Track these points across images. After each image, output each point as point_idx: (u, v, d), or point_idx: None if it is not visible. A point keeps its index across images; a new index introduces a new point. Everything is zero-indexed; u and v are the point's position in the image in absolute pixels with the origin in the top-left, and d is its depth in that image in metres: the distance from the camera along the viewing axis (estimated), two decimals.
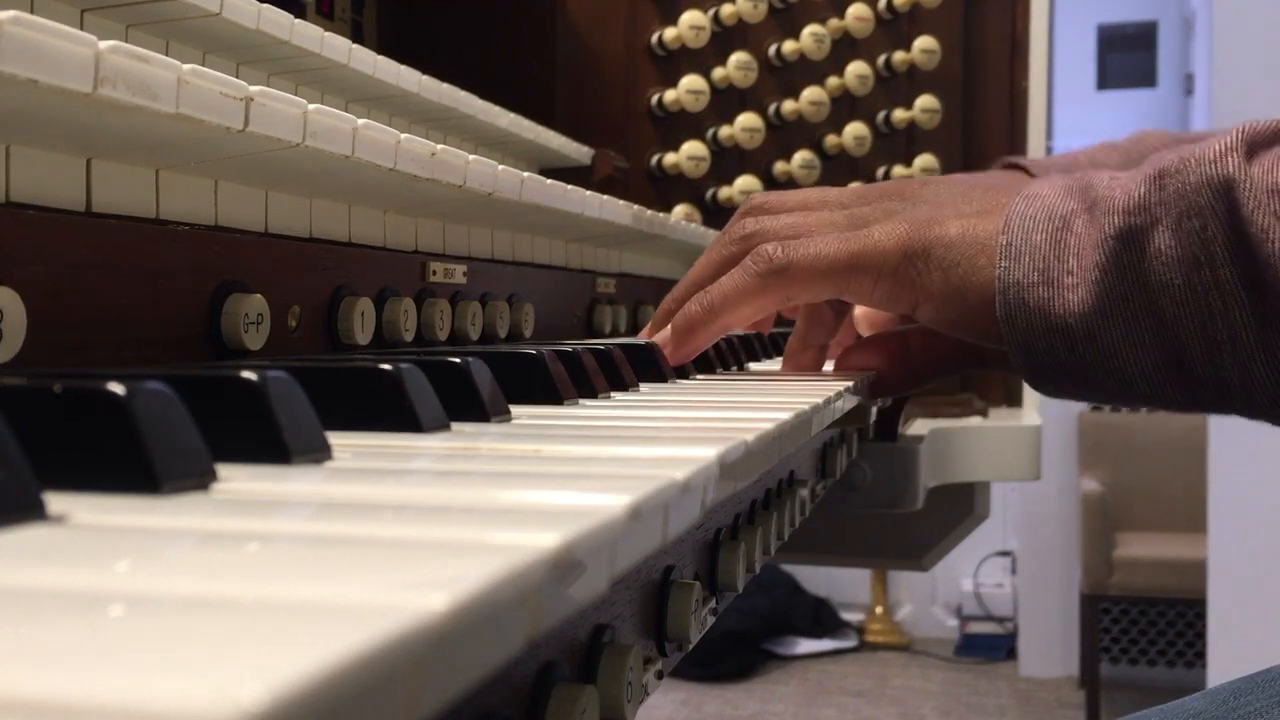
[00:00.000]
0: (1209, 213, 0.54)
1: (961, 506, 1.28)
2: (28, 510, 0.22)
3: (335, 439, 0.33)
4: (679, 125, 1.34)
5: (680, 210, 1.32)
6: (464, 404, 0.41)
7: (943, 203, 0.66)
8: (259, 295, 0.51)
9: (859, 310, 0.81)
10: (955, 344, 0.72)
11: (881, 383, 0.75)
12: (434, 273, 0.69)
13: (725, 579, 0.53)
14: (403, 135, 0.54)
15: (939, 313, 0.65)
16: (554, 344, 0.62)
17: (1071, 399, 0.65)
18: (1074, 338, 0.59)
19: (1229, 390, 0.57)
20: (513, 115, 1.04)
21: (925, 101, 1.43)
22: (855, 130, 1.41)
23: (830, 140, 1.40)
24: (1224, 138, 0.55)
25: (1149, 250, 0.56)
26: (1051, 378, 0.62)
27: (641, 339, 0.73)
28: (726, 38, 1.36)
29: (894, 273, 0.64)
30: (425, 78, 0.88)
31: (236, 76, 0.43)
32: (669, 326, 0.69)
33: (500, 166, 0.65)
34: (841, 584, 4.69)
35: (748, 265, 0.67)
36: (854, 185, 0.73)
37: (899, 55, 1.43)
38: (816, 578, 4.64)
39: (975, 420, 1.22)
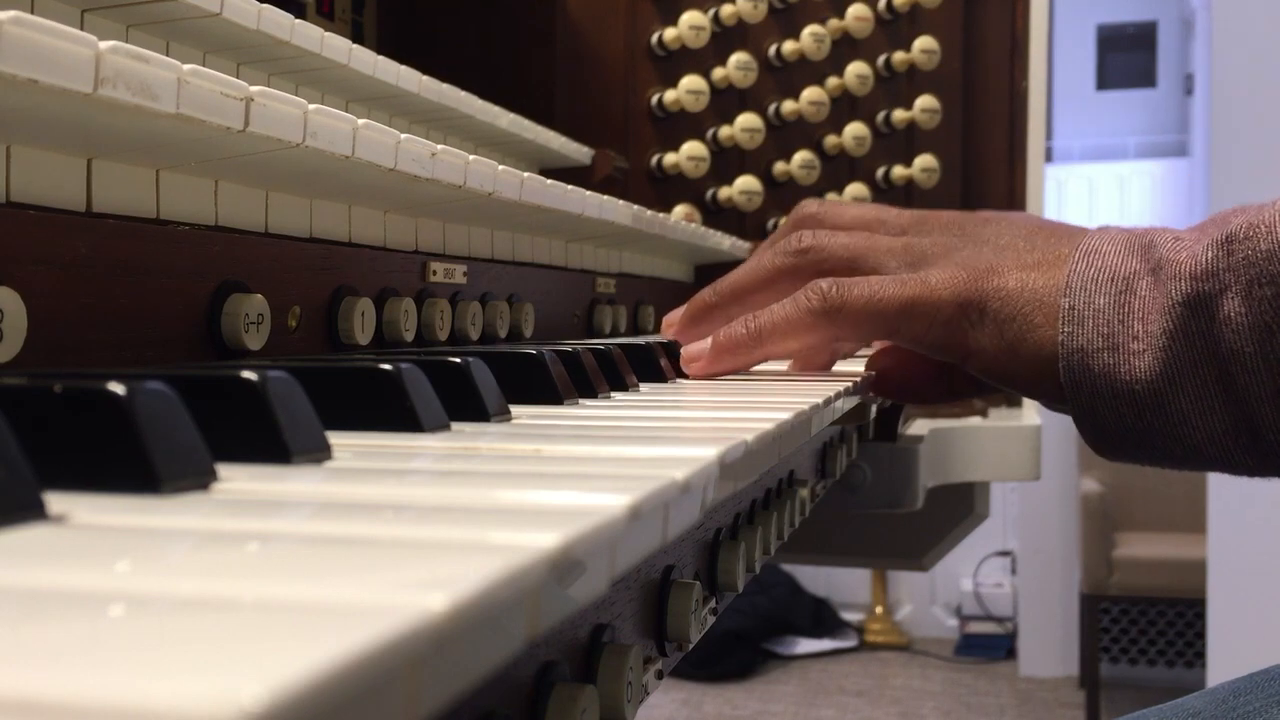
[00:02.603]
0: None
1: (961, 506, 1.28)
2: (28, 510, 0.22)
3: (335, 439, 0.33)
4: (679, 125, 1.34)
5: (680, 210, 1.32)
6: (464, 404, 0.41)
7: (1003, 247, 0.66)
8: (259, 295, 0.51)
9: None
10: None
11: (913, 392, 0.74)
12: (434, 273, 0.69)
13: (725, 579, 0.53)
14: (403, 135, 0.54)
15: (989, 366, 0.64)
16: (554, 344, 0.62)
17: (1135, 463, 0.63)
18: (1141, 405, 0.58)
19: None
20: (513, 115, 1.04)
21: (925, 101, 1.43)
22: (855, 130, 1.41)
23: (830, 140, 1.41)
24: None
25: (1218, 317, 0.56)
26: (1116, 443, 0.61)
27: (667, 335, 0.73)
28: (726, 38, 1.36)
29: (946, 323, 0.63)
30: (425, 78, 0.88)
31: (237, 76, 0.43)
32: (709, 341, 0.68)
33: (500, 166, 0.65)
34: (841, 584, 4.70)
35: (801, 300, 0.66)
36: (913, 211, 0.73)
37: (899, 55, 1.43)
38: (816, 578, 4.64)
39: (975, 420, 1.22)
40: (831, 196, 1.41)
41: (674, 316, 0.75)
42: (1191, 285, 0.57)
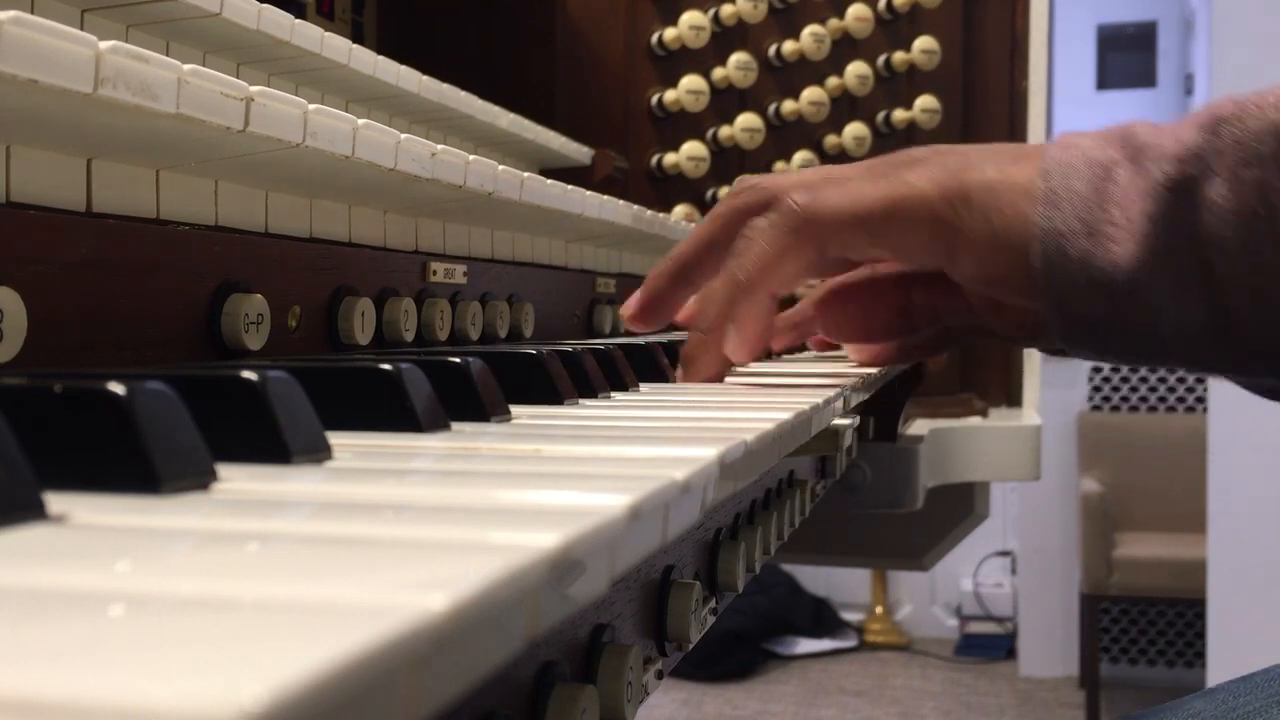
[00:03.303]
0: (1270, 162, 0.51)
1: (961, 506, 1.28)
2: (28, 510, 0.22)
3: (335, 439, 0.33)
4: (679, 125, 1.34)
5: (680, 210, 1.32)
6: (464, 404, 0.41)
7: (969, 154, 0.61)
8: (259, 295, 0.51)
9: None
10: (962, 305, 0.68)
11: (870, 328, 0.72)
12: (434, 273, 0.69)
13: (725, 579, 0.53)
14: (403, 135, 0.54)
15: (980, 263, 0.60)
16: (554, 344, 0.62)
17: (1097, 358, 0.61)
18: (1115, 292, 0.56)
19: (1273, 354, 0.54)
20: (513, 115, 1.04)
21: (925, 101, 1.43)
22: (855, 130, 1.41)
23: (830, 140, 1.40)
24: None
25: (1202, 202, 0.53)
26: (1082, 335, 0.58)
27: (629, 323, 0.69)
28: (726, 38, 1.36)
29: (934, 218, 0.59)
30: (425, 78, 0.88)
31: (237, 76, 0.43)
32: (730, 330, 0.62)
33: (500, 166, 0.65)
34: (841, 584, 4.70)
35: (774, 220, 0.60)
36: (859, 162, 0.68)
37: (899, 55, 1.43)
38: (816, 578, 4.64)
39: (975, 420, 1.22)
40: None
41: (630, 303, 0.69)
42: (1176, 168, 0.54)
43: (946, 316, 0.71)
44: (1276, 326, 0.53)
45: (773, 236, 0.61)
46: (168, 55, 0.39)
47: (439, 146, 0.58)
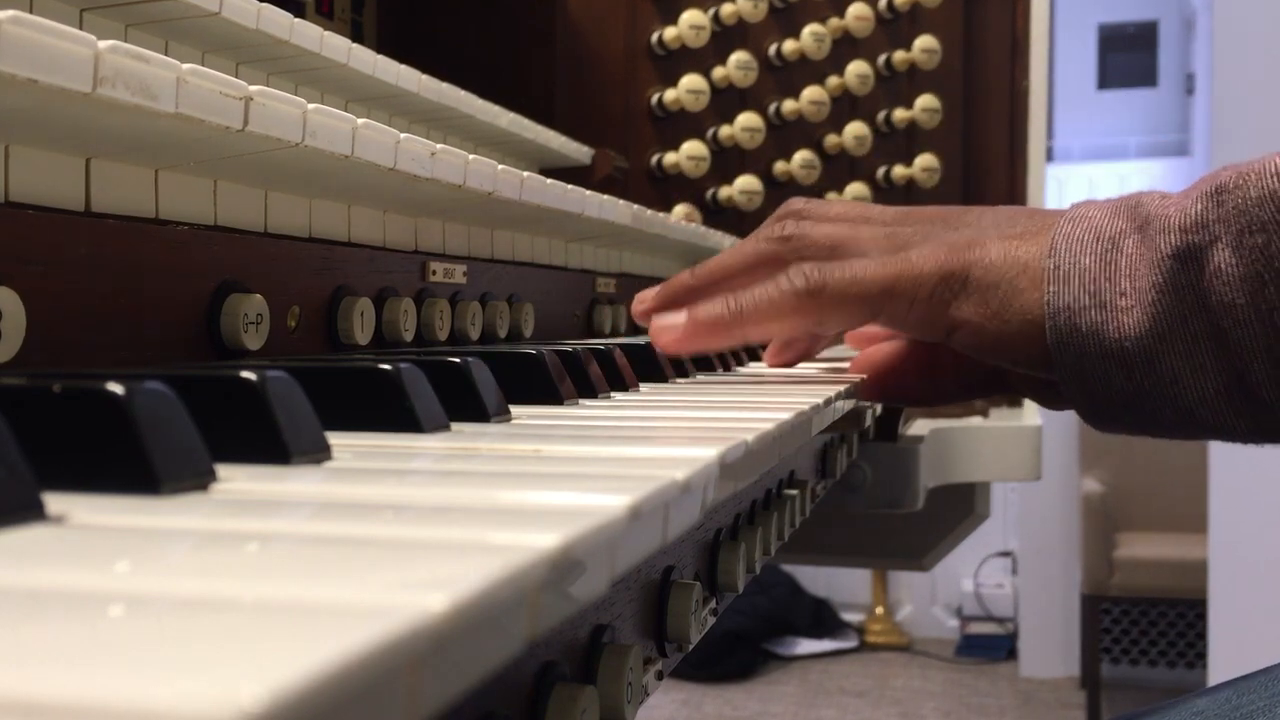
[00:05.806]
0: (1273, 228, 0.53)
1: (962, 506, 1.28)
2: (28, 510, 0.22)
3: (335, 439, 0.33)
4: (679, 125, 1.34)
5: (680, 210, 1.32)
6: (464, 404, 0.41)
7: (985, 226, 0.64)
8: (259, 295, 0.51)
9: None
10: (989, 366, 0.70)
11: (902, 393, 0.73)
12: (434, 273, 0.69)
13: (725, 579, 0.53)
14: (403, 135, 0.54)
15: (977, 338, 0.62)
16: (554, 344, 0.62)
17: (1128, 433, 0.62)
18: (1130, 363, 0.57)
19: None
20: (513, 115, 1.04)
21: (925, 101, 1.43)
22: (855, 130, 1.41)
23: (830, 140, 1.40)
24: None
25: (1208, 269, 0.54)
26: (1106, 409, 0.60)
27: (637, 313, 0.72)
28: (726, 37, 1.36)
29: (929, 297, 0.62)
30: (425, 78, 0.88)
31: (236, 76, 0.43)
32: (685, 313, 0.66)
33: (500, 166, 0.65)
34: (841, 584, 4.69)
35: (783, 281, 0.64)
36: (898, 208, 0.71)
37: (899, 55, 1.43)
38: (816, 578, 4.64)
39: (975, 420, 1.22)
40: (832, 196, 1.41)
41: (647, 294, 0.73)
42: (1180, 238, 0.55)
43: (974, 383, 0.72)
44: None
45: (776, 293, 0.64)
46: (167, 55, 0.39)
47: (439, 146, 0.58)
